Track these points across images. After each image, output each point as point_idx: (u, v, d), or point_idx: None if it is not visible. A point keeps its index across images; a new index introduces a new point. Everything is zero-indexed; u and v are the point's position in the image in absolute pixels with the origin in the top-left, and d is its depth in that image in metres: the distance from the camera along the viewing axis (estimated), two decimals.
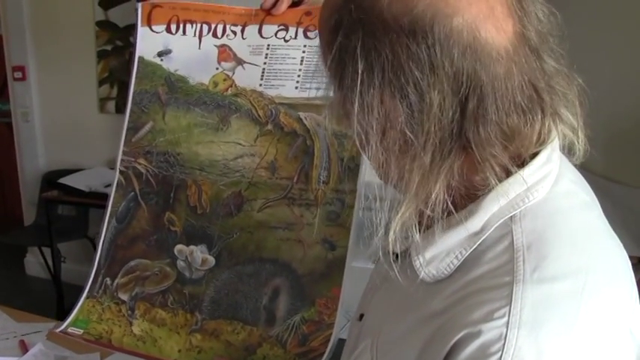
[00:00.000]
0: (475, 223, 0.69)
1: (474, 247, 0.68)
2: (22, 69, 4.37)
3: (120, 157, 1.41)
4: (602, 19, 2.59)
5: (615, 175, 2.65)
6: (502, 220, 0.68)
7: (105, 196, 3.55)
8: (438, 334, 0.65)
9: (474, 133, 0.64)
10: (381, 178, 0.73)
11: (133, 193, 1.40)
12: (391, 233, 0.69)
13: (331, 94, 0.70)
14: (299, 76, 1.30)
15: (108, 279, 1.38)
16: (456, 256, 0.69)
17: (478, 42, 0.62)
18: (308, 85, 1.29)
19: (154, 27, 1.40)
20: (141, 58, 1.41)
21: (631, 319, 0.67)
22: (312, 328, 1.21)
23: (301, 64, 1.30)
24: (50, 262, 4.03)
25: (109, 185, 3.51)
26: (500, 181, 0.68)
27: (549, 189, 0.70)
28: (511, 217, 0.68)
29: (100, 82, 4.17)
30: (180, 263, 1.33)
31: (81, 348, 1.54)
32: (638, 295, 0.71)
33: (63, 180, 3.84)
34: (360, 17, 0.64)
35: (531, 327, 0.60)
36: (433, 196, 0.66)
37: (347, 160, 1.22)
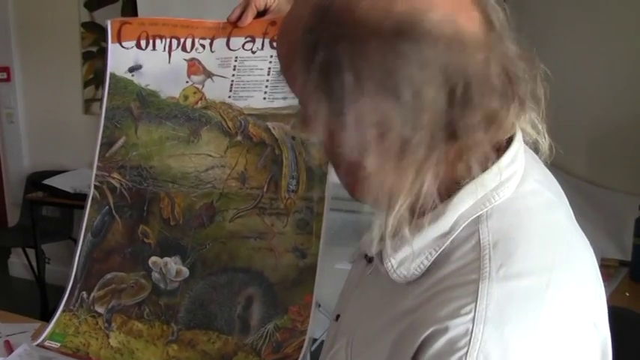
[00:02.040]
0: (444, 224, 0.70)
1: (443, 247, 0.70)
2: (6, 70, 4.36)
3: (94, 172, 1.43)
4: (586, 24, 2.62)
5: (598, 179, 2.67)
6: (469, 220, 0.69)
7: None
8: (408, 332, 0.67)
9: (462, 120, 0.65)
10: (356, 196, 0.73)
11: (107, 207, 1.41)
12: (388, 231, 0.70)
13: (315, 114, 0.67)
14: (266, 86, 1.32)
15: (84, 292, 1.40)
16: (426, 257, 0.70)
17: (458, 33, 0.63)
18: (275, 95, 1.30)
19: (124, 43, 1.42)
20: (112, 75, 1.43)
21: (595, 314, 0.70)
22: (286, 335, 1.23)
23: (268, 74, 1.32)
24: (34, 263, 4.01)
25: None
26: (482, 170, 0.69)
27: (515, 189, 0.71)
28: (478, 216, 0.69)
29: (85, 84, 4.15)
30: (155, 275, 1.35)
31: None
32: (603, 291, 0.73)
33: (47, 181, 3.83)
34: (339, 31, 0.64)
35: (497, 323, 0.62)
36: (425, 188, 0.67)
37: (315, 168, 1.25)
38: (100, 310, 1.37)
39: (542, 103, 0.73)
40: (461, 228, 0.70)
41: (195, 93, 1.37)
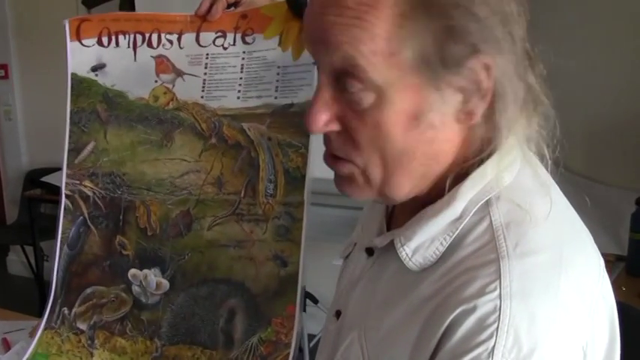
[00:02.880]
0: (455, 209, 0.73)
1: (457, 232, 0.72)
2: (4, 67, 4.38)
3: (64, 180, 1.36)
4: (583, 21, 2.62)
5: (594, 174, 2.68)
6: (479, 205, 0.72)
7: None
8: (432, 318, 0.69)
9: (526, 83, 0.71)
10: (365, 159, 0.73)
11: (81, 217, 1.35)
12: (402, 191, 0.73)
13: (399, 62, 0.66)
14: (240, 85, 1.25)
15: (65, 308, 1.35)
16: (441, 243, 0.73)
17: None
18: (249, 94, 1.24)
19: (84, 41, 1.35)
20: (74, 75, 1.36)
21: (602, 285, 0.75)
22: (270, 348, 1.18)
23: (242, 72, 1.25)
24: (33, 261, 4.02)
25: None
26: (488, 156, 0.73)
27: (517, 173, 0.75)
28: (487, 200, 0.72)
29: None
30: (136, 288, 1.30)
31: None
32: (603, 264, 0.77)
33: (46, 178, 3.84)
34: None
35: (521, 297, 0.65)
36: (511, 139, 0.72)
37: (293, 171, 1.19)
38: (82, 326, 1.33)
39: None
40: (472, 213, 0.72)
41: (165, 93, 1.30)
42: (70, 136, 1.36)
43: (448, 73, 0.66)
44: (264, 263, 1.21)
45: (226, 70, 1.26)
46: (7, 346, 1.53)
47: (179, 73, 1.29)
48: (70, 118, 1.37)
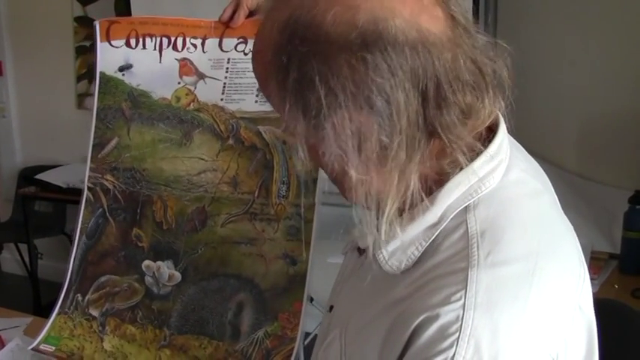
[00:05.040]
0: (432, 215, 0.72)
1: (433, 237, 0.72)
2: None
3: (87, 173, 1.42)
4: (578, 20, 2.63)
5: (588, 173, 2.68)
6: (457, 211, 0.72)
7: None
8: (400, 320, 0.70)
9: (438, 118, 0.67)
10: (354, 200, 0.73)
11: (101, 209, 1.41)
12: (383, 232, 0.72)
13: (295, 129, 0.69)
14: (258, 89, 1.28)
15: (79, 295, 1.40)
16: (417, 248, 0.73)
17: (423, 35, 0.65)
18: None
19: (113, 42, 1.40)
20: (102, 74, 1.42)
21: (580, 297, 0.74)
22: (276, 342, 1.24)
23: None
24: (27, 259, 4.01)
25: None
26: (469, 161, 0.72)
27: (501, 178, 0.74)
28: (465, 207, 0.72)
29: (78, 78, 4.14)
30: (148, 279, 1.35)
31: None
32: (587, 276, 0.77)
33: (40, 176, 3.83)
34: (308, 49, 0.65)
35: (486, 308, 0.65)
36: (411, 188, 0.69)
37: (305, 175, 1.24)
38: (95, 313, 1.38)
39: (507, 75, 0.74)
40: (449, 219, 0.72)
41: (187, 94, 1.36)
42: (95, 132, 1.43)
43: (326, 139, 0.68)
44: (274, 261, 1.26)
45: (246, 75, 1.31)
46: (2, 344, 1.53)
47: (201, 76, 1.35)
48: (97, 114, 1.43)
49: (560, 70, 2.50)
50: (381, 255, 0.75)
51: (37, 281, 3.94)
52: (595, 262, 2.21)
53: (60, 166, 4.04)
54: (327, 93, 0.65)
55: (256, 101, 1.30)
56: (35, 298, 3.91)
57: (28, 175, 4.03)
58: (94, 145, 1.43)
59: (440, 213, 0.72)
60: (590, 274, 0.80)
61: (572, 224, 0.81)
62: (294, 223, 1.25)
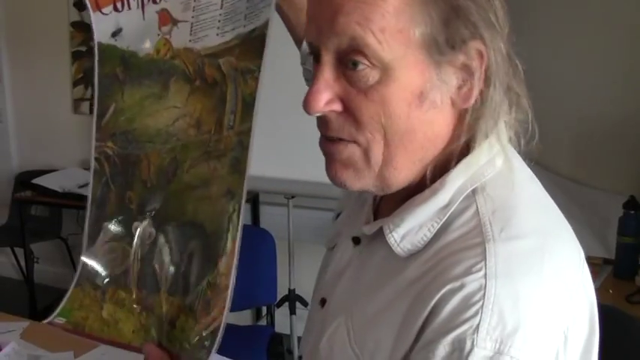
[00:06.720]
0: (443, 197, 0.75)
1: (444, 219, 0.75)
2: None
3: (93, 144, 1.39)
4: (570, 24, 2.64)
5: (582, 178, 2.70)
6: (466, 193, 0.75)
7: (79, 197, 3.56)
8: (418, 299, 0.71)
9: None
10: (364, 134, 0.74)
11: (105, 177, 1.38)
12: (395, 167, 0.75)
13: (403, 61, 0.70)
14: (219, 21, 1.25)
15: (89, 265, 1.37)
16: (429, 229, 0.75)
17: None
18: (226, 29, 1.23)
19: (103, 10, 1.38)
20: (99, 44, 1.40)
21: (583, 277, 0.78)
22: (214, 292, 1.16)
23: (221, 7, 1.25)
24: (23, 263, 4.00)
25: (83, 186, 3.53)
26: (476, 146, 0.77)
27: (502, 164, 0.77)
28: (473, 189, 0.75)
29: (75, 83, 4.15)
30: (136, 240, 1.31)
31: (54, 347, 1.55)
32: (584, 258, 0.80)
33: (36, 180, 3.82)
34: None
35: (506, 277, 0.68)
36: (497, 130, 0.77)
37: (247, 97, 1.17)
38: (99, 282, 1.35)
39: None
40: (459, 200, 0.75)
41: (164, 44, 1.32)
42: (98, 103, 1.40)
43: (451, 53, 0.70)
44: (218, 200, 1.19)
45: (209, 9, 1.26)
46: None
47: (175, 22, 1.31)
48: (98, 84, 1.40)
49: (554, 76, 2.51)
50: (392, 238, 0.77)
51: (33, 285, 3.92)
52: (589, 267, 2.21)
53: (56, 170, 4.04)
54: (481, 11, 0.70)
55: (217, 34, 1.25)
56: (31, 303, 3.90)
57: (24, 180, 4.02)
58: (97, 116, 1.39)
59: (450, 195, 0.75)
60: None
61: None
62: (236, 154, 1.18)
